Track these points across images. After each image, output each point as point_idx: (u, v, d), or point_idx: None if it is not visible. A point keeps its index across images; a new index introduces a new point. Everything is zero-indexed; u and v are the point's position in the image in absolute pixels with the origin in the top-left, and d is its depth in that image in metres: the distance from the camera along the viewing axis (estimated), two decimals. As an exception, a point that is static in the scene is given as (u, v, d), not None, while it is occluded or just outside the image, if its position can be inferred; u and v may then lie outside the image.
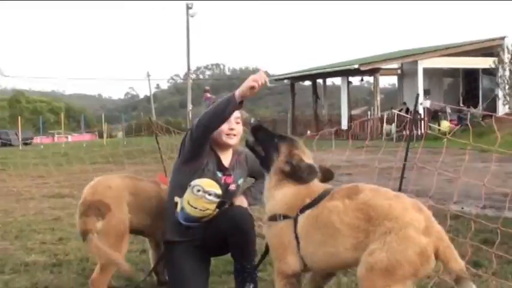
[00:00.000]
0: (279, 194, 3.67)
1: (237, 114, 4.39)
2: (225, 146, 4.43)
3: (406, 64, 31.97)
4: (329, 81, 37.47)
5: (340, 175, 13.17)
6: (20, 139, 33.28)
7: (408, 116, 25.72)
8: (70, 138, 41.48)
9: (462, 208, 8.00)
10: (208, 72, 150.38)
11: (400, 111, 28.01)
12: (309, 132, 28.80)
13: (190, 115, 45.36)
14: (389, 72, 33.75)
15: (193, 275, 4.22)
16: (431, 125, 26.66)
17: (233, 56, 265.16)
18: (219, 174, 4.36)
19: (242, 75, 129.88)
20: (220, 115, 4.07)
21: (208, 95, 23.95)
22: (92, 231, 4.17)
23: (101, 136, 39.52)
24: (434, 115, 28.43)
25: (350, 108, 32.98)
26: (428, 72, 30.74)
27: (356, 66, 29.17)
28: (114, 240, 4.28)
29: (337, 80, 35.66)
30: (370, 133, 26.42)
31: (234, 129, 4.36)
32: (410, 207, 3.16)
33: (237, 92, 3.95)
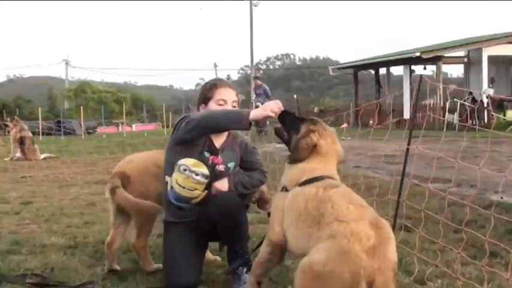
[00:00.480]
0: (291, 169, 3.64)
1: (233, 97, 4.38)
2: None
3: (472, 52, 31.03)
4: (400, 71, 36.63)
5: (389, 163, 12.96)
6: (83, 128, 34.04)
7: (471, 105, 25.04)
8: (134, 128, 42.09)
9: (502, 198, 7.71)
10: (278, 63, 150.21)
11: (465, 100, 27.26)
12: (371, 121, 28.42)
13: (254, 104, 45.57)
14: (454, 60, 32.79)
15: (184, 256, 4.19)
16: (495, 114, 25.86)
17: (303, 46, 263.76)
18: (207, 154, 4.26)
19: (312, 64, 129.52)
20: (222, 127, 4.07)
21: (259, 82, 23.70)
22: (118, 187, 4.62)
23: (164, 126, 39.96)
24: (500, 104, 27.52)
25: (411, 97, 32.23)
26: (495, 60, 29.81)
27: (418, 54, 28.51)
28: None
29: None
30: (432, 123, 25.76)
31: None
32: (367, 220, 2.98)
33: (252, 115, 3.80)
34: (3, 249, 5.52)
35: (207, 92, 4.41)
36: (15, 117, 18.15)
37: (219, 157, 4.31)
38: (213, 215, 4.06)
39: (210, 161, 4.25)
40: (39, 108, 34.68)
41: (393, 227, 4.70)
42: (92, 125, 38.89)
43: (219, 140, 4.35)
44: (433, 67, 30.37)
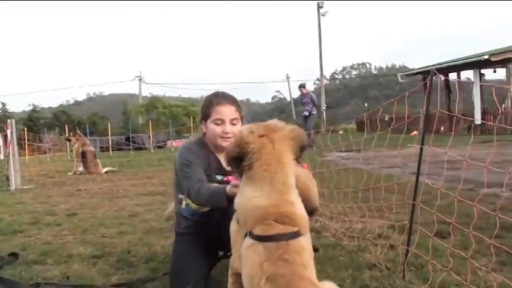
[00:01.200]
0: (242, 200, 3.10)
1: (232, 114, 4.18)
2: (223, 148, 4.12)
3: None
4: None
5: (448, 170, 12.67)
6: (152, 142, 34.57)
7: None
8: (204, 141, 42.25)
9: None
10: (354, 72, 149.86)
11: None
12: (442, 128, 27.81)
13: (324, 115, 45.75)
14: (526, 62, 31.73)
15: (189, 267, 4.19)
16: None
17: (378, 54, 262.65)
18: (219, 177, 4.19)
19: (389, 73, 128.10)
20: (208, 205, 4.06)
21: (305, 90, 23.32)
22: None
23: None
24: None
25: (483, 101, 31.40)
26: None
27: (486, 57, 27.72)
28: None
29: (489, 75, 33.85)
30: (503, 128, 24.99)
31: (228, 133, 4.11)
32: None
33: (228, 191, 3.66)
34: (31, 259, 5.64)
35: (205, 109, 4.26)
36: (78, 131, 18.59)
37: (234, 176, 4.27)
38: (219, 219, 3.97)
39: (226, 181, 4.14)
40: (108, 124, 35.50)
41: (409, 232, 4.52)
42: (162, 139, 39.47)
43: None
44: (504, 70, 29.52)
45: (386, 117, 45.38)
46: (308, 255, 2.93)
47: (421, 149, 4.44)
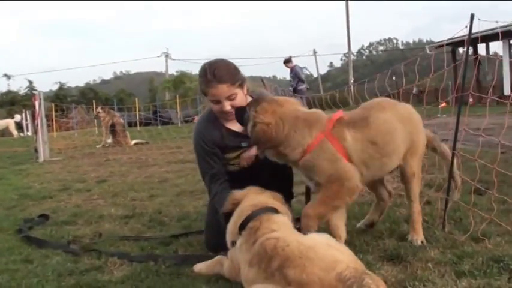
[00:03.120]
0: None
1: (225, 93, 3.99)
2: (232, 117, 4.10)
3: None
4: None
5: (478, 136, 12.40)
6: (179, 117, 34.59)
7: None
8: (230, 116, 42.21)
9: None
10: (381, 47, 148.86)
11: None
12: (470, 100, 27.36)
13: (352, 88, 45.31)
14: (560, 31, 30.91)
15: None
16: None
17: (405, 30, 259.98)
18: (244, 144, 4.21)
19: (416, 46, 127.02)
20: None
21: (290, 65, 21.73)
22: None
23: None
24: None
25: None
26: None
27: (514, 27, 27.04)
28: None
29: None
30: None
31: (227, 111, 4.04)
32: None
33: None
34: (61, 220, 5.63)
35: (202, 86, 4.10)
36: (103, 106, 18.62)
37: None
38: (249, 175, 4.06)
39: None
40: (136, 99, 35.50)
41: (449, 182, 4.36)
42: (190, 113, 39.39)
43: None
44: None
45: (415, 90, 44.87)
46: (278, 220, 3.27)
47: (459, 109, 4.28)
